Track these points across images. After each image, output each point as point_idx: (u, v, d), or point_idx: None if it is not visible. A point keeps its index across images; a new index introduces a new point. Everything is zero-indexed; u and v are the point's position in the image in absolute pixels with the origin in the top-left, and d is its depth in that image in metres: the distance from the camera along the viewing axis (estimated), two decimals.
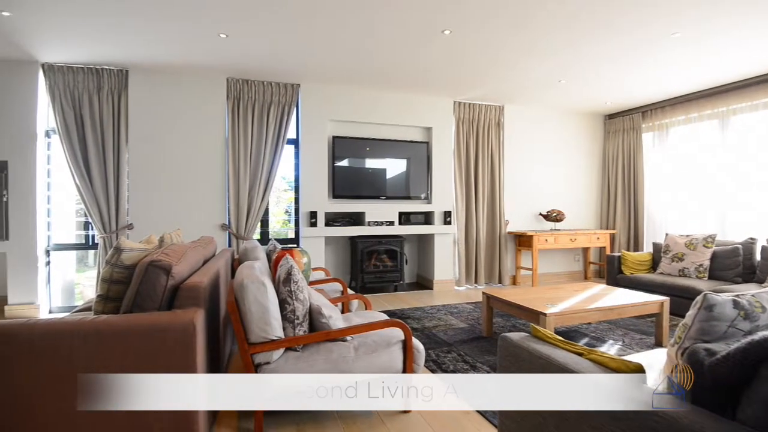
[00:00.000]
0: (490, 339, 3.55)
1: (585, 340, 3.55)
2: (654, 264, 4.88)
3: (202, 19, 3.43)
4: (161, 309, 1.81)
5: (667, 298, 3.44)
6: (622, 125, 6.47)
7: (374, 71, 4.73)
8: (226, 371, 2.82)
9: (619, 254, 4.95)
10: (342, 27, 3.58)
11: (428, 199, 5.78)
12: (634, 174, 6.26)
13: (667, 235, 4.82)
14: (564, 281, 6.50)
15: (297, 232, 5.31)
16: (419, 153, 5.70)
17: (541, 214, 6.32)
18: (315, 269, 4.55)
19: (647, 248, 6.02)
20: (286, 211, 5.61)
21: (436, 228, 5.68)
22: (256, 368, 2.03)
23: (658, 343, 3.42)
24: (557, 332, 3.68)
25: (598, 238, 6.19)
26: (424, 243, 5.98)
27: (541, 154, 6.45)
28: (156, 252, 1.95)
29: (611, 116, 6.74)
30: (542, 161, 6.46)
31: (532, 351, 1.42)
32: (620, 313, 3.26)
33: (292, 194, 5.45)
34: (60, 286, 4.75)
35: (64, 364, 1.58)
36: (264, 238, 5.23)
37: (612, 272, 4.93)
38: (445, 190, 5.81)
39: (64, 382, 1.58)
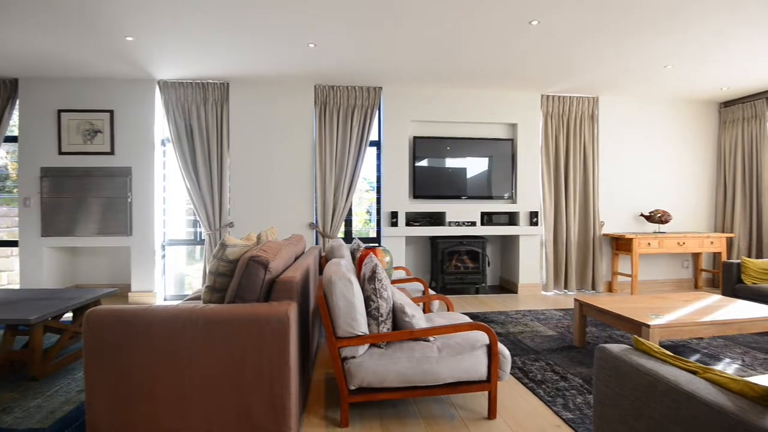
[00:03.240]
0: (582, 349, 3.32)
1: (696, 356, 3.17)
2: None
3: (294, 32, 3.65)
4: (259, 300, 1.96)
5: None
6: (742, 113, 5.67)
7: (456, 69, 4.66)
8: (314, 362, 2.97)
9: (739, 261, 4.35)
10: (425, 26, 3.59)
11: (512, 199, 5.57)
12: (758, 169, 5.45)
13: None
14: (669, 290, 5.86)
15: (378, 232, 5.43)
16: (503, 151, 5.51)
17: (642, 214, 5.76)
18: (396, 268, 4.61)
19: None
20: (368, 211, 5.75)
21: (521, 229, 5.45)
22: (342, 361, 2.11)
23: None
24: (662, 347, 3.34)
25: (711, 242, 5.50)
26: (508, 244, 5.77)
27: (642, 148, 5.88)
28: (255, 248, 2.11)
29: (727, 104, 5.94)
30: (643, 157, 5.89)
31: (636, 365, 1.30)
32: (740, 329, 2.86)
33: (373, 194, 5.58)
34: (173, 276, 5.37)
35: (178, 344, 1.78)
36: (348, 237, 5.43)
37: (729, 281, 4.35)
38: (532, 189, 5.55)
39: (178, 360, 1.78)
